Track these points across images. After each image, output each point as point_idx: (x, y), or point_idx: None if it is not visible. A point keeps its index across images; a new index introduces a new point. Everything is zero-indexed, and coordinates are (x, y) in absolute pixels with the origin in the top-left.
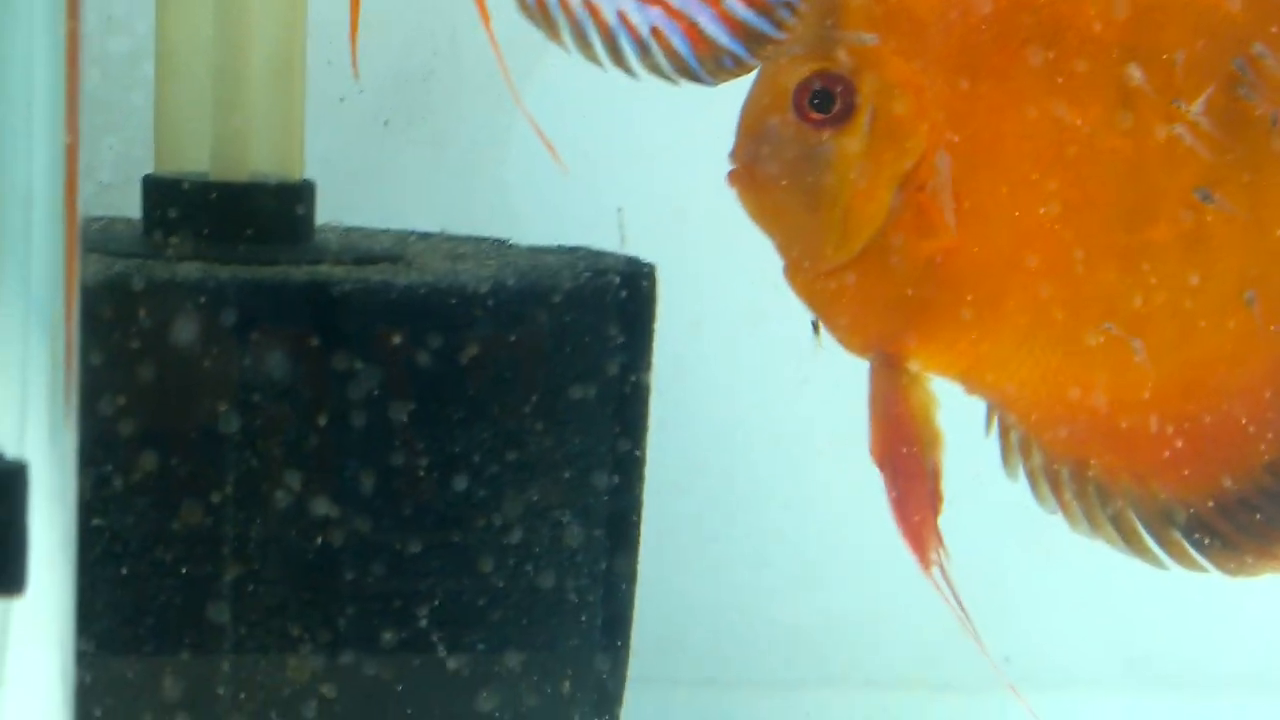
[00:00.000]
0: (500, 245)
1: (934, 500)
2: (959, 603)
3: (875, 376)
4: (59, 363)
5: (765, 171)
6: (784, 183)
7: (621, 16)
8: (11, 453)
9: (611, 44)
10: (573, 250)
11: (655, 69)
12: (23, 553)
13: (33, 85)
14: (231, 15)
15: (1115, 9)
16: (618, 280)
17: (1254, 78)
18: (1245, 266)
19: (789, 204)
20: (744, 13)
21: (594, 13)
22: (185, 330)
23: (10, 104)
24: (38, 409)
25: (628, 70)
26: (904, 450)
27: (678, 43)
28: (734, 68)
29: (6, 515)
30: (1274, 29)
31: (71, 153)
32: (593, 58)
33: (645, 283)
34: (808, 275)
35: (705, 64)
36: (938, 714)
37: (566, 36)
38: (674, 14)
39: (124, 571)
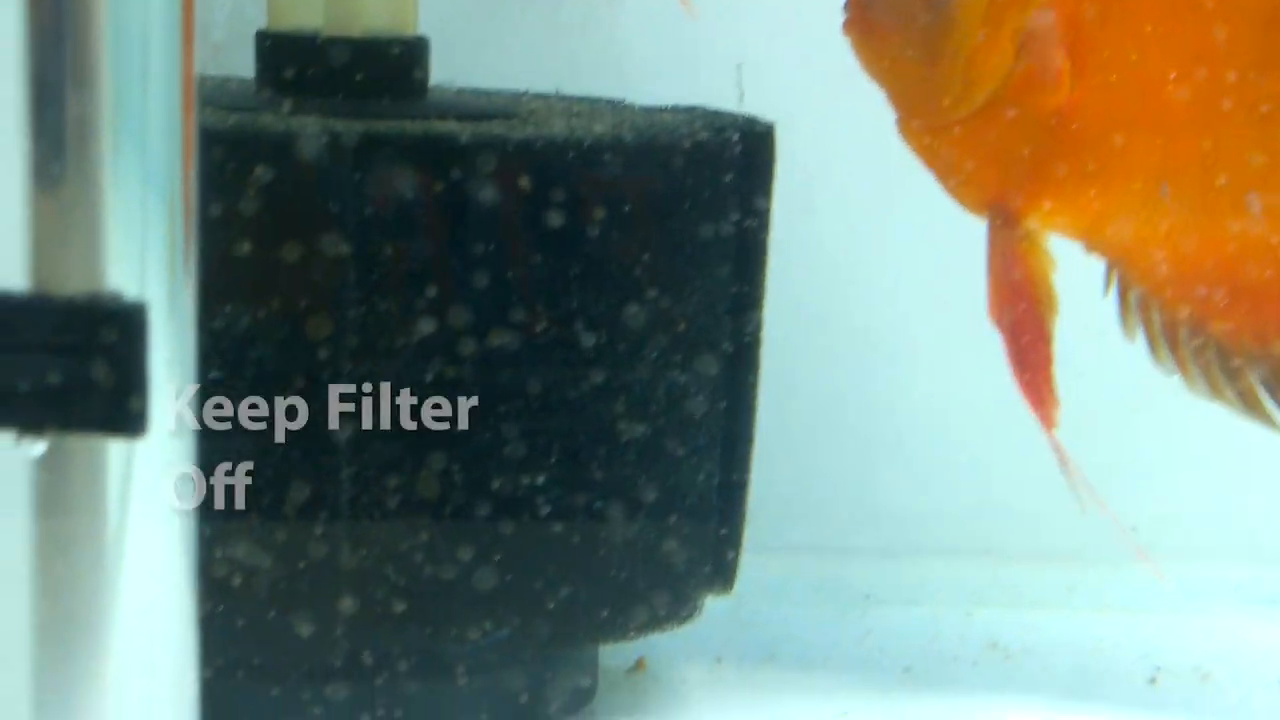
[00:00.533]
0: (616, 105)
1: (1050, 361)
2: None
3: (992, 235)
4: (177, 211)
5: (883, 20)
6: (902, 32)
7: None
8: (132, 294)
9: None
10: (690, 109)
11: None
12: (145, 394)
13: None
14: None
15: None
16: (736, 138)
17: None
18: None
19: (906, 55)
20: None
21: None
22: (299, 181)
23: None
24: (157, 254)
25: None
26: (1022, 310)
27: None
28: None
29: (127, 356)
30: None
31: (187, 9)
32: None
33: (764, 141)
34: (923, 129)
35: None
36: (1051, 583)
37: None
38: None
39: (240, 417)
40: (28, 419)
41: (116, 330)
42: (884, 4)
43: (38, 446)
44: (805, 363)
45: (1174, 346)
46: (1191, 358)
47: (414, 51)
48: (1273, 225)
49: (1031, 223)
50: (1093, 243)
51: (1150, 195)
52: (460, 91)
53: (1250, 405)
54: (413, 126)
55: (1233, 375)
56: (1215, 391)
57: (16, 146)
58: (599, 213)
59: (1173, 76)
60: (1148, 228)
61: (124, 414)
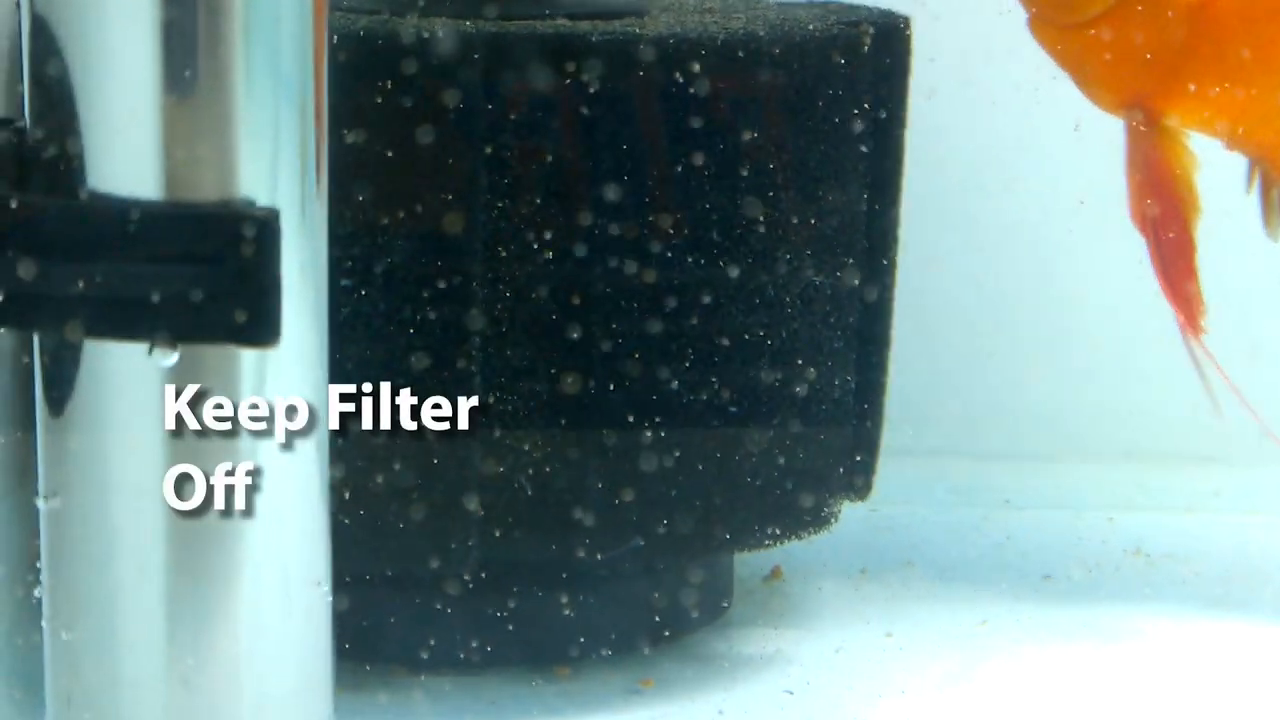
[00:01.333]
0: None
1: (1194, 263)
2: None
3: (1132, 135)
4: (309, 118)
5: None
6: None
7: None
8: (264, 201)
9: None
10: (824, 4)
11: None
12: (277, 303)
13: None
14: None
15: None
16: (871, 31)
17: None
18: None
19: None
20: None
21: None
22: (432, 83)
23: None
24: (289, 162)
25: None
26: (1166, 210)
27: None
28: None
29: (260, 262)
30: None
31: None
32: None
33: (900, 35)
34: (1058, 28)
35: None
36: (1197, 488)
37: None
38: None
39: (373, 326)
40: (161, 329)
41: (250, 238)
42: None
43: (171, 356)
44: (945, 263)
45: None
46: None
47: None
48: None
49: (1171, 121)
50: (1234, 140)
51: None
52: None
53: None
54: (543, 27)
55: None
56: None
57: (149, 53)
58: (732, 111)
59: None
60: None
61: (257, 324)
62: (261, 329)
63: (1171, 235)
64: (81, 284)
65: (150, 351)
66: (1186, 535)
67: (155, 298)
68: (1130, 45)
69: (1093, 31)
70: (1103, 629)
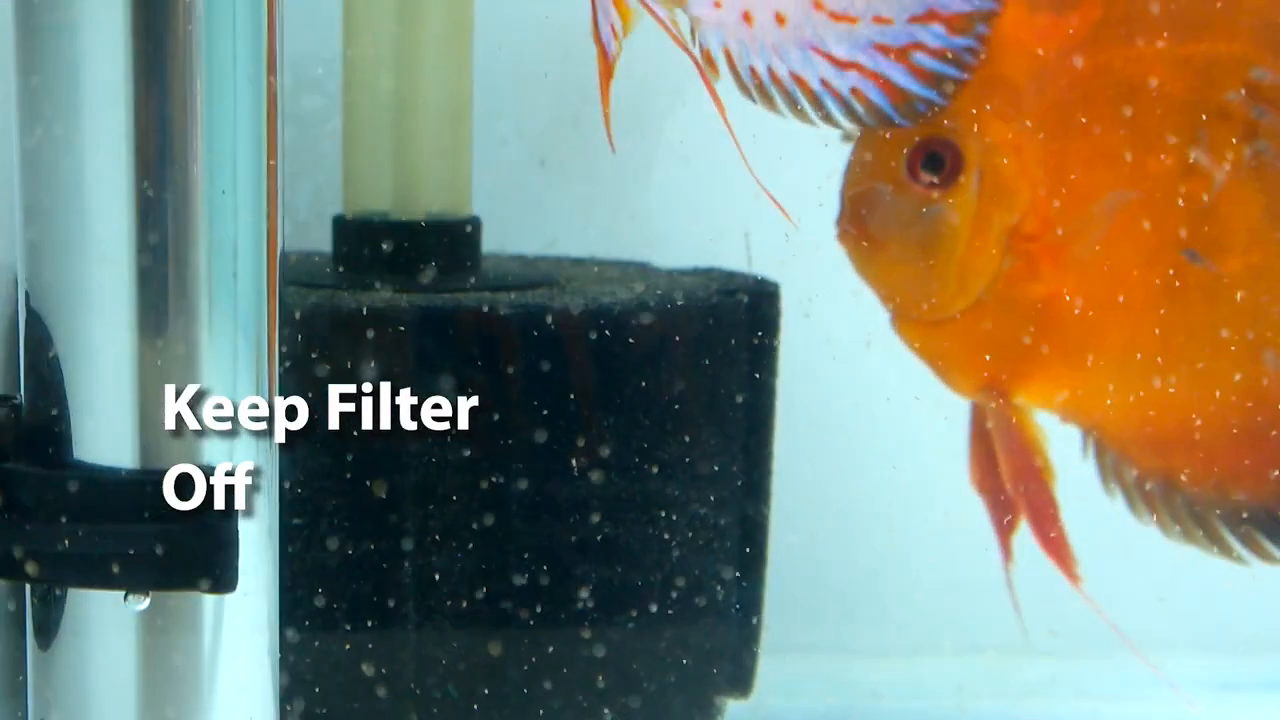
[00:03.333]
0: (643, 268)
1: (1060, 519)
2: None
3: (979, 413)
4: (264, 378)
5: (878, 231)
6: (897, 241)
7: (824, 83)
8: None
9: (818, 106)
10: (706, 271)
11: (858, 120)
12: (235, 556)
13: (238, 138)
14: (407, 75)
15: (1180, 70)
16: (746, 299)
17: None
18: None
19: (902, 260)
20: (932, 64)
21: (800, 83)
22: (370, 351)
23: (219, 154)
24: (244, 415)
25: (835, 125)
26: (1031, 475)
27: (875, 97)
28: (926, 110)
29: (221, 523)
30: None
31: (272, 197)
32: (804, 119)
33: (770, 301)
34: (920, 324)
35: (901, 111)
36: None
37: (781, 105)
38: (870, 74)
39: (324, 559)
40: (136, 580)
41: (212, 503)
42: (879, 215)
43: (143, 602)
44: (813, 480)
45: (1148, 501)
46: (1164, 509)
47: (467, 229)
48: (1224, 391)
49: (1018, 400)
50: (1070, 415)
51: (1120, 371)
52: (511, 259)
53: (1217, 544)
54: (466, 300)
55: (1199, 520)
56: (1188, 536)
57: (126, 340)
58: (625, 370)
59: (1137, 265)
60: (1118, 399)
61: (219, 575)
62: (221, 580)
63: (1038, 498)
64: (67, 542)
65: (125, 599)
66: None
67: (130, 552)
68: (985, 336)
69: (951, 326)
70: None
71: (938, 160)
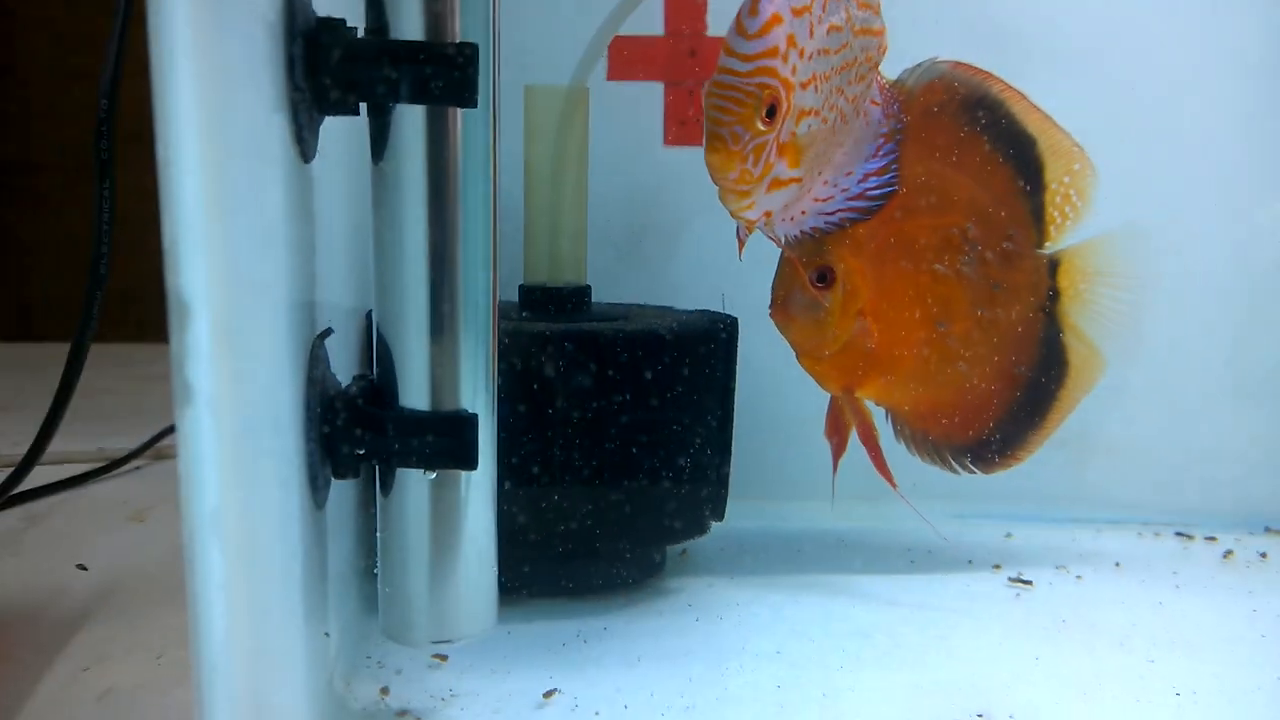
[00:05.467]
0: (669, 309)
1: (880, 449)
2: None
3: (838, 400)
4: (490, 368)
5: (793, 313)
6: (801, 318)
7: (801, 233)
8: (469, 408)
9: (787, 242)
10: (702, 311)
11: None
12: (475, 452)
13: (479, 232)
14: (557, 192)
15: (933, 229)
16: (722, 326)
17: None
18: (998, 337)
19: (804, 327)
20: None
21: (792, 220)
22: (537, 352)
23: (472, 243)
24: (480, 391)
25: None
26: (867, 430)
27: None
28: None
29: (469, 435)
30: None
31: (494, 268)
32: (777, 243)
33: (734, 326)
34: (811, 359)
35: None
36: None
37: (779, 240)
38: (815, 229)
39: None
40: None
41: (461, 434)
42: (794, 305)
43: (432, 475)
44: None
45: (911, 443)
46: (917, 446)
47: (585, 291)
48: (953, 386)
49: (859, 394)
50: (880, 402)
51: (907, 379)
52: (606, 305)
53: (944, 464)
54: (585, 327)
55: (936, 453)
56: (931, 460)
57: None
58: (662, 365)
59: (919, 319)
60: (904, 393)
61: (465, 459)
62: (470, 462)
63: (872, 442)
64: (396, 445)
65: (424, 473)
66: None
67: (427, 451)
68: (845, 364)
69: (828, 359)
70: None
71: (824, 276)
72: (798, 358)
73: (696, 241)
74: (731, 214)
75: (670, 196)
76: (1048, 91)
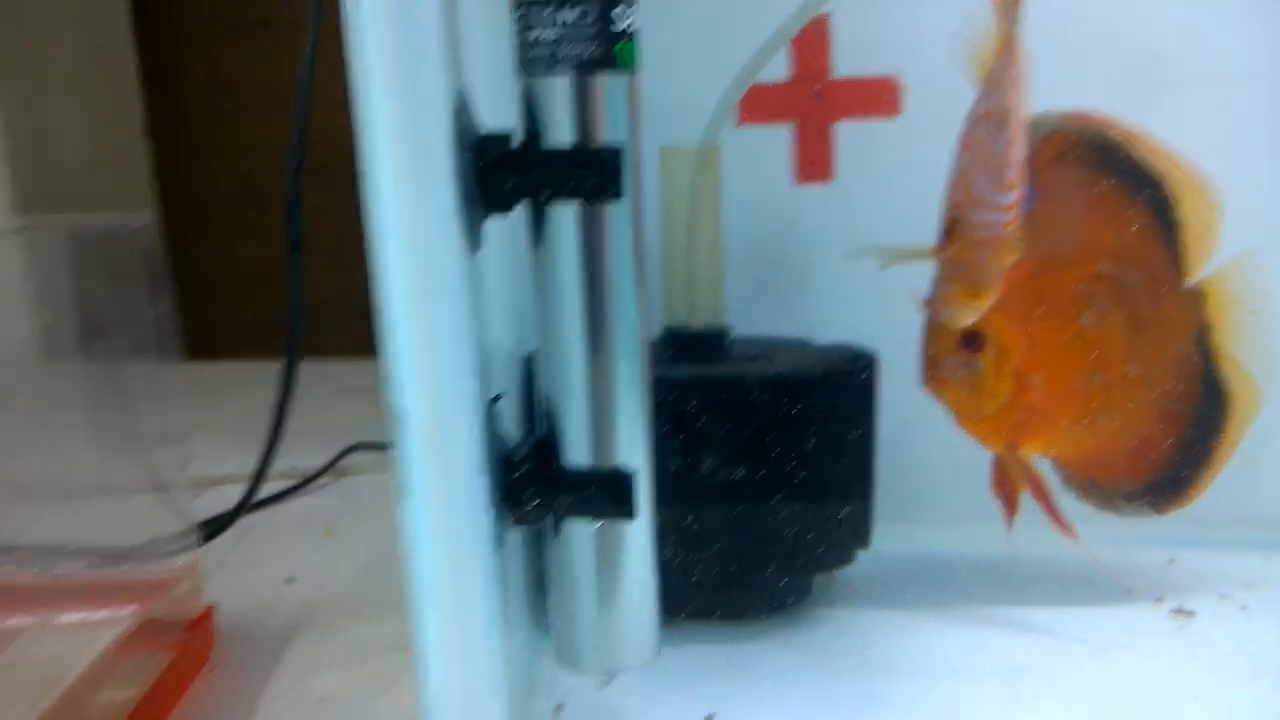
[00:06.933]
0: (807, 342)
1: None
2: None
3: (1003, 458)
4: (646, 427)
5: (947, 378)
6: (958, 381)
7: None
8: (635, 464)
9: None
10: (841, 346)
11: None
12: (634, 506)
13: (629, 287)
14: (693, 238)
15: (1076, 280)
16: (863, 363)
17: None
18: (1156, 376)
19: (962, 391)
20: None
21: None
22: (687, 397)
23: (621, 297)
24: (637, 448)
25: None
26: (1038, 486)
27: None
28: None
29: (629, 487)
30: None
31: (643, 331)
32: None
33: (873, 362)
34: (969, 420)
35: None
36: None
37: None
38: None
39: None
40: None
41: (621, 490)
42: (946, 369)
43: (597, 524)
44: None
45: (1086, 493)
46: (1078, 490)
47: (724, 331)
48: (1106, 433)
49: (1022, 450)
50: (1042, 453)
51: (1065, 432)
52: (744, 340)
53: (1103, 508)
54: (725, 369)
55: (1111, 503)
56: (1112, 510)
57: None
58: (804, 403)
59: (1072, 376)
60: (1061, 443)
61: (624, 507)
62: (629, 513)
63: (1042, 496)
64: (564, 499)
65: (590, 521)
66: None
67: (591, 502)
68: (1004, 422)
69: (988, 420)
70: None
71: (974, 339)
72: (958, 421)
73: (830, 276)
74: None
75: (801, 232)
76: (1179, 118)
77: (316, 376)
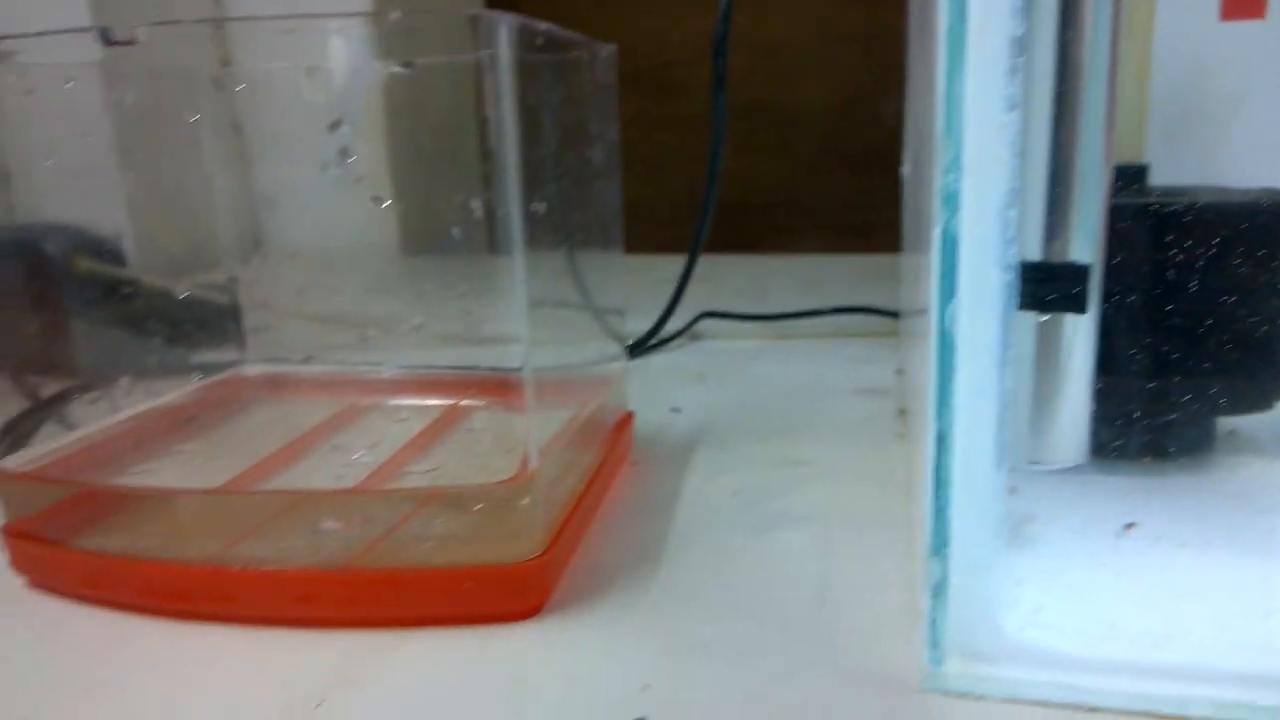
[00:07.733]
0: (1227, 190)
1: None
2: None
3: None
4: (1100, 227)
5: None
6: None
7: None
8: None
9: None
10: (1266, 189)
11: None
12: (1085, 299)
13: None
14: (1125, 72)
15: None
16: None
17: None
18: None
19: None
20: None
21: None
22: (1129, 229)
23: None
24: (1089, 245)
25: None
26: None
27: None
28: None
29: (1081, 292)
30: None
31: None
32: None
33: None
34: None
35: None
36: None
37: None
38: None
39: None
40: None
41: (1075, 282)
42: None
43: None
44: None
45: None
46: None
47: (1141, 170)
48: None
49: None
50: None
51: None
52: (1162, 187)
53: None
54: (1145, 199)
55: None
56: None
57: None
58: (1243, 236)
59: None
60: None
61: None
62: (1078, 305)
63: None
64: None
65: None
66: None
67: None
68: None
69: None
70: None
71: None
72: None
73: (1252, 121)
74: None
75: (1223, 75)
76: None
77: (648, 266)
